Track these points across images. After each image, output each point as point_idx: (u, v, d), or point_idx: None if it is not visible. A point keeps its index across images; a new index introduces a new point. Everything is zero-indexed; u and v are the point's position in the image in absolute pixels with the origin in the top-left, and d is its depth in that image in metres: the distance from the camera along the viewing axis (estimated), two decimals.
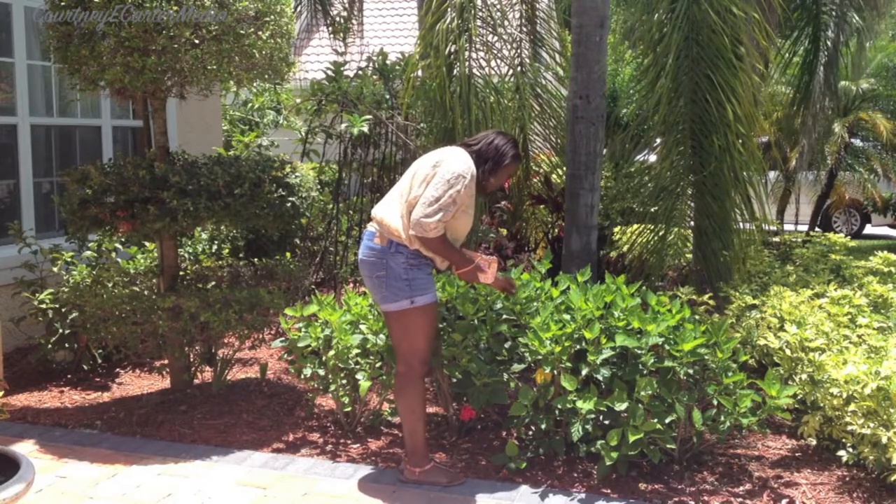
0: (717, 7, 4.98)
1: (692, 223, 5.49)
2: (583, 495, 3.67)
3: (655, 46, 5.34)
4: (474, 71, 5.48)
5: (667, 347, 3.79)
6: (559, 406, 3.80)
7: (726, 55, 4.98)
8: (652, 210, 5.56)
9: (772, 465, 4.00)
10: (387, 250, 3.65)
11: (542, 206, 6.75)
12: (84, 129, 6.67)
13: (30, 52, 6.10)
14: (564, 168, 5.67)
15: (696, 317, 4.15)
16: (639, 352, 3.80)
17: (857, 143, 11.37)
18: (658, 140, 5.60)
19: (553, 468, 3.93)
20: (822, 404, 3.82)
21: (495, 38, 6.06)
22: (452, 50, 5.28)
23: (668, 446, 3.76)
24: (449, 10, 5.32)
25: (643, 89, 5.67)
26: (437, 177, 3.58)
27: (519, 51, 6.74)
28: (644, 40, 5.53)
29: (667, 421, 3.68)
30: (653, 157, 5.92)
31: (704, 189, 5.23)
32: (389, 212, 3.69)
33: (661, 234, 5.45)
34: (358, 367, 4.30)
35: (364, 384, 4.20)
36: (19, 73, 5.99)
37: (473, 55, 5.53)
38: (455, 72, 5.32)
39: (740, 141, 5.05)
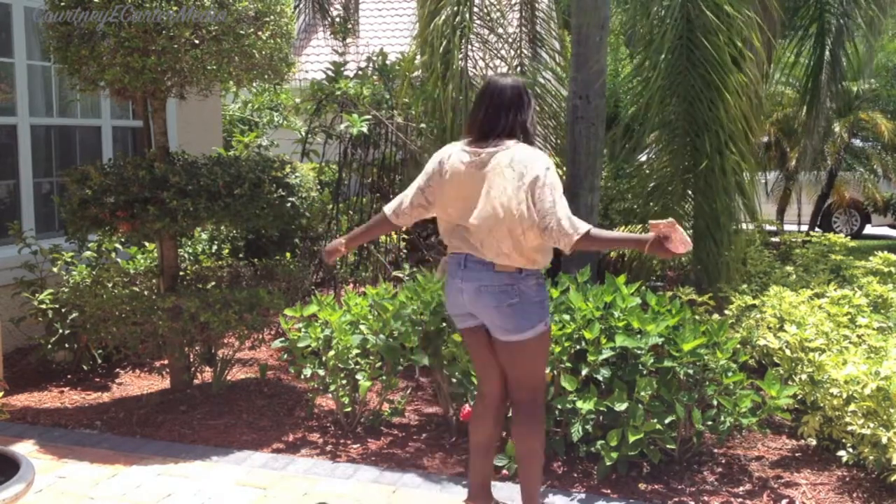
0: (712, 6, 4.98)
1: (692, 223, 5.50)
2: (583, 495, 3.67)
3: (649, 45, 5.35)
4: (470, 69, 5.48)
5: (667, 347, 3.80)
6: (559, 406, 3.80)
7: (721, 55, 4.97)
8: (650, 209, 5.56)
9: (772, 465, 4.00)
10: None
11: None
12: (84, 129, 6.67)
13: (30, 52, 6.10)
14: (564, 168, 5.67)
15: (696, 317, 4.15)
16: (639, 352, 3.80)
17: (858, 143, 11.37)
18: (651, 138, 5.61)
19: (553, 468, 3.93)
20: (822, 404, 3.82)
21: (493, 36, 6.06)
22: (448, 47, 5.28)
23: (668, 446, 3.76)
24: (445, 7, 5.32)
25: (638, 87, 5.68)
26: None
27: (518, 50, 6.74)
28: (640, 39, 5.53)
29: (667, 421, 3.68)
30: (652, 157, 5.93)
31: (697, 188, 5.24)
32: None
33: None
34: (358, 367, 4.30)
35: (364, 384, 4.21)
36: (19, 73, 5.99)
37: (470, 53, 5.53)
38: (450, 70, 5.32)
39: (732, 141, 5.04)
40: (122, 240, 5.80)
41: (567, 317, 3.91)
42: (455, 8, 5.27)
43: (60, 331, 5.31)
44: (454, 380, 4.12)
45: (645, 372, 3.80)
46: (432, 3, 5.31)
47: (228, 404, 4.89)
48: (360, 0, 10.02)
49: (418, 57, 5.61)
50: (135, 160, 4.66)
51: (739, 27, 5.06)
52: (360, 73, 6.57)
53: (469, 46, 5.59)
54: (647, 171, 5.77)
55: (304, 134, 6.70)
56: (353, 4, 9.90)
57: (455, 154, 3.24)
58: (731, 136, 5.02)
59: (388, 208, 3.40)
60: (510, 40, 6.65)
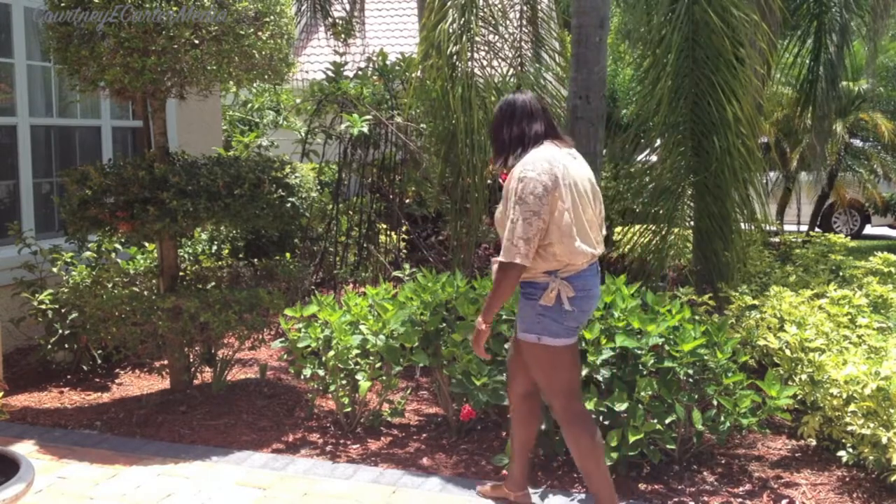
0: (717, 8, 4.99)
1: (692, 224, 5.50)
2: (583, 495, 3.67)
3: (656, 48, 5.34)
4: (475, 71, 5.48)
5: (667, 348, 3.80)
6: None
7: (727, 56, 4.98)
8: (653, 210, 5.56)
9: (772, 466, 4.00)
10: None
11: None
12: (84, 129, 6.67)
13: (30, 52, 6.10)
14: None
15: (696, 317, 4.15)
16: (639, 352, 3.80)
17: (858, 143, 11.37)
18: (659, 141, 5.60)
19: (553, 468, 3.93)
20: (822, 404, 3.81)
21: (496, 38, 6.06)
22: (454, 50, 5.28)
23: (668, 447, 3.75)
24: (451, 10, 5.32)
25: (644, 90, 5.67)
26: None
27: (520, 51, 6.74)
28: (644, 42, 5.52)
29: (667, 421, 3.68)
30: (653, 158, 5.92)
31: (705, 190, 5.23)
32: None
33: (662, 234, 5.45)
34: (358, 367, 4.30)
35: (364, 384, 4.20)
36: (19, 74, 6.00)
37: (475, 55, 5.54)
38: (457, 72, 5.32)
39: (740, 141, 5.05)
40: (122, 240, 5.80)
41: None
42: (460, 11, 5.27)
43: (60, 331, 5.31)
44: (454, 380, 4.12)
45: (645, 372, 3.80)
46: (437, 14, 5.32)
47: (228, 404, 4.89)
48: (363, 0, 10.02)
49: (422, 62, 5.61)
50: (134, 160, 4.66)
51: (744, 27, 5.06)
52: (359, 73, 6.57)
53: (474, 48, 5.60)
54: (655, 174, 5.75)
55: (304, 134, 6.70)
56: (360, 4, 9.90)
57: None
58: (739, 136, 5.02)
59: None
60: (512, 41, 6.65)
